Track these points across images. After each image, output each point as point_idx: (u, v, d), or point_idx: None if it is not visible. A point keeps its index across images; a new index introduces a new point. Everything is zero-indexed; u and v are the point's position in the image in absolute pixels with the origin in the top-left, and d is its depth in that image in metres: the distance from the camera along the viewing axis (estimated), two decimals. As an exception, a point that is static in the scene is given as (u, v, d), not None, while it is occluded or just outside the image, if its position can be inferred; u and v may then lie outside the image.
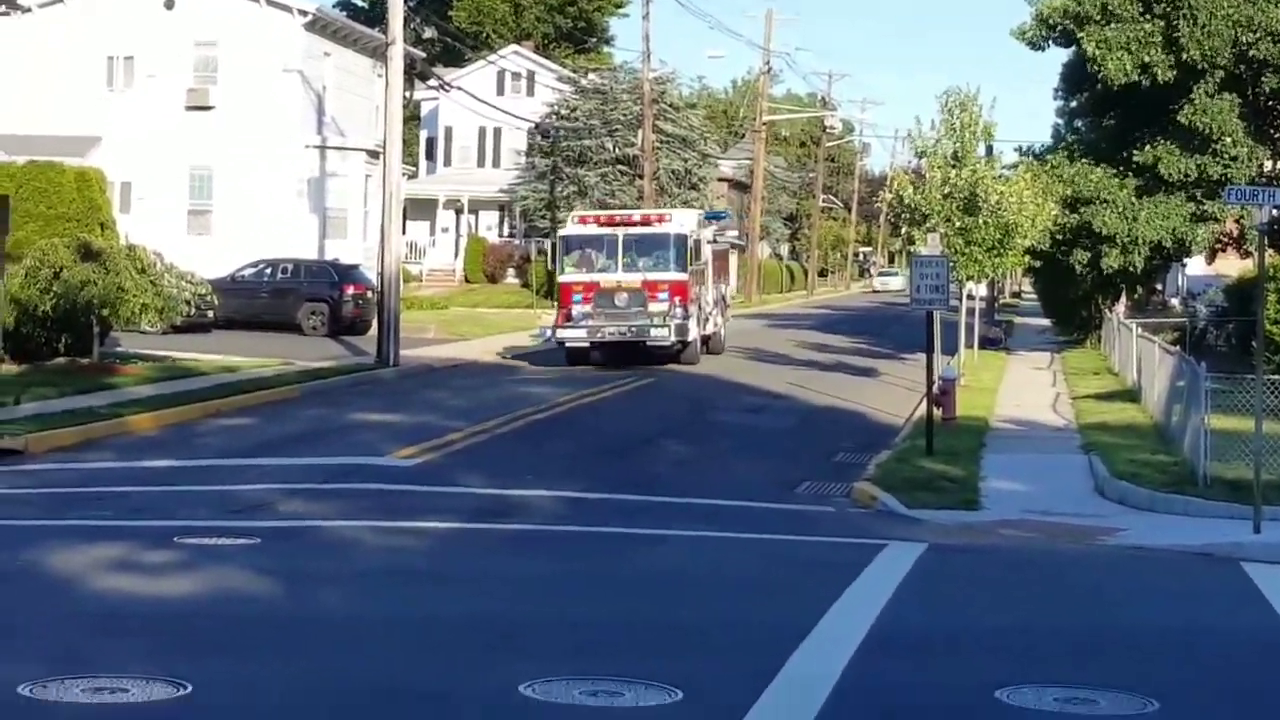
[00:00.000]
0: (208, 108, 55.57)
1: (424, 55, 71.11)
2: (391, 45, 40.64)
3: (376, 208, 47.36)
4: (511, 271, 77.93)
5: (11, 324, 29.40)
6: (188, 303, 34.97)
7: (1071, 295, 49.32)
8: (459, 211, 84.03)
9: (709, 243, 45.75)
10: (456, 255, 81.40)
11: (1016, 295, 78.04)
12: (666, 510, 19.00)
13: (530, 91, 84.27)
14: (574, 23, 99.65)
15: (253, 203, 54.18)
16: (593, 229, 41.27)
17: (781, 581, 15.06)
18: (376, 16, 71.12)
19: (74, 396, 28.22)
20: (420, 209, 77.55)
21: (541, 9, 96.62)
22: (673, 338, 39.09)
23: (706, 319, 43.35)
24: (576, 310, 39.33)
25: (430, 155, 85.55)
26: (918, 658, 11.84)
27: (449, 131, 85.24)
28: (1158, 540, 17.41)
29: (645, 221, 42.22)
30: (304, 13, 56.87)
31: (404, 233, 42.80)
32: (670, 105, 78.10)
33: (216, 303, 39.31)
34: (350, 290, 47.28)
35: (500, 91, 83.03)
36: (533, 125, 79.46)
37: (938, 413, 25.57)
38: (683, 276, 39.80)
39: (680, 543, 17.13)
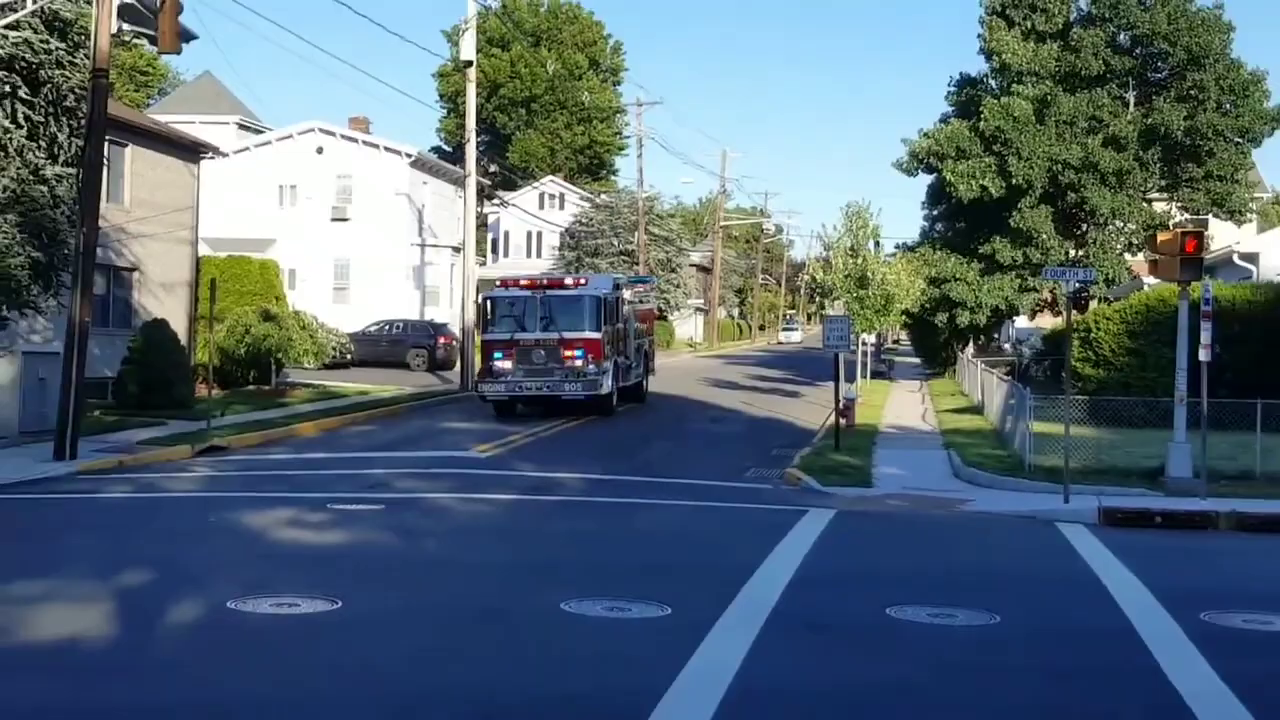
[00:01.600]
0: (346, 219, 55.76)
1: (489, 183, 71.72)
2: (468, 177, 40.98)
3: (458, 285, 47.72)
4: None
5: (217, 363, 30.25)
6: (334, 349, 35.93)
7: (935, 341, 49.48)
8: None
9: (630, 302, 34.88)
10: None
11: (896, 342, 78.21)
12: (655, 487, 18.97)
13: (561, 206, 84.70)
14: (591, 160, 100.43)
15: (376, 282, 54.44)
16: (514, 292, 31.17)
17: (735, 536, 15.10)
18: (457, 157, 71.70)
19: (259, 411, 28.86)
20: (486, 286, 77.70)
21: (569, 151, 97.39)
22: (584, 392, 29.78)
23: (628, 369, 33.38)
24: (497, 366, 29.88)
25: (494, 250, 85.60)
26: (832, 587, 11.88)
27: (506, 234, 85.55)
28: (997, 508, 17.34)
29: (562, 285, 32.08)
30: (409, 155, 57.58)
31: (476, 301, 43.01)
32: (657, 215, 78.30)
33: (353, 349, 39.47)
34: (442, 340, 47.32)
35: (541, 206, 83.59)
36: (563, 229, 79.91)
37: (843, 422, 25.49)
38: (596, 335, 29.95)
39: (665, 509, 17.07)
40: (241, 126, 62.05)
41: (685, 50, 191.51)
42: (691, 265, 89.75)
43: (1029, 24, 41.68)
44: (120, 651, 8.92)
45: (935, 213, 47.93)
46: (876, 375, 48.70)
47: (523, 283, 31.85)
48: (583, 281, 32.38)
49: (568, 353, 29.55)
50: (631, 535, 15.15)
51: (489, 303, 30.90)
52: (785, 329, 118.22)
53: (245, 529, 14.35)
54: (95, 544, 13.52)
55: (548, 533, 15.13)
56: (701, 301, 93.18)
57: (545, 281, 32.74)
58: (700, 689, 7.96)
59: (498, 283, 33.00)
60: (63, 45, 22.74)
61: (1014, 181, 39.68)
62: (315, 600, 10.27)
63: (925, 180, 46.15)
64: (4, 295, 21.71)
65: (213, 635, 9.41)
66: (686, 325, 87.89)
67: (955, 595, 11.17)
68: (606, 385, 30.13)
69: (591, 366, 29.77)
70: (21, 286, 21.96)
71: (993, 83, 43.98)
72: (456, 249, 53.58)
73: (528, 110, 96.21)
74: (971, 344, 49.04)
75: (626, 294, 34.46)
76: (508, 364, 29.56)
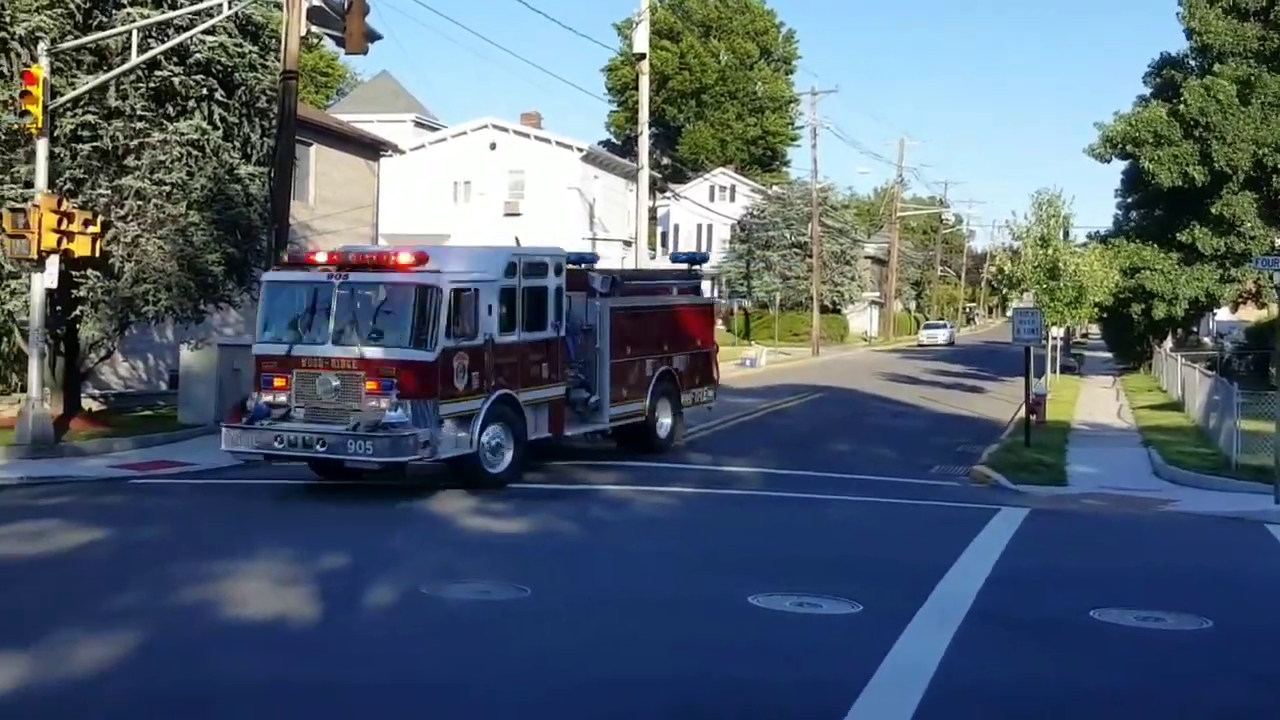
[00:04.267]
0: (518, 214, 56.82)
1: (659, 175, 72.01)
2: (640, 170, 41.31)
3: (632, 279, 48.13)
4: (720, 322, 78.19)
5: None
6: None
7: (1129, 336, 48.37)
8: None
9: (602, 294, 20.05)
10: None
11: (1084, 337, 76.01)
12: (836, 483, 18.87)
13: (732, 199, 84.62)
14: (762, 151, 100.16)
15: (548, 276, 55.46)
16: (304, 275, 17.24)
17: (923, 533, 15.00)
18: (626, 150, 72.61)
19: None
20: (660, 280, 78.29)
21: (740, 142, 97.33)
22: (378, 456, 15.67)
23: (589, 403, 19.36)
24: (261, 401, 16.39)
25: (663, 242, 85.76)
26: (1031, 587, 11.71)
27: (676, 227, 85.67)
28: (1201, 508, 16.91)
29: (379, 263, 16.90)
30: (580, 149, 58.79)
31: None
32: (830, 206, 77.54)
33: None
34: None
35: (711, 199, 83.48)
36: (735, 222, 79.85)
37: (1033, 418, 25.09)
38: (421, 357, 15.92)
39: (847, 505, 17.01)
40: (418, 124, 63.76)
41: (861, 36, 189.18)
42: (866, 257, 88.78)
43: (1229, 1, 40.32)
44: (323, 630, 9.35)
45: (1130, 200, 46.78)
46: (1065, 370, 47.68)
47: (320, 258, 17.31)
48: (417, 259, 16.53)
49: (370, 384, 15.94)
50: (814, 530, 15.18)
51: (266, 292, 17.55)
52: (928, 327, 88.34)
53: (432, 516, 14.84)
54: (287, 527, 14.14)
55: (728, 526, 15.27)
56: (877, 294, 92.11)
57: (354, 258, 17.18)
58: (901, 683, 7.96)
59: (287, 256, 19.70)
60: (255, 48, 23.70)
61: (1217, 167, 38.41)
62: (505, 587, 10.59)
63: (1119, 167, 45.09)
64: (201, 290, 22.85)
65: (408, 619, 9.78)
66: (861, 319, 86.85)
67: (1161, 598, 10.95)
68: (443, 446, 16.09)
69: (398, 412, 15.64)
70: (217, 281, 23.11)
71: (1193, 63, 42.68)
72: (627, 242, 54.16)
73: (698, 102, 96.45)
74: (1169, 338, 47.70)
75: (554, 280, 18.65)
76: (281, 396, 16.44)
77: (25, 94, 19.67)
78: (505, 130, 60.27)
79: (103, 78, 21.40)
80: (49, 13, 21.42)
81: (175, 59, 22.16)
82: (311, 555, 11.79)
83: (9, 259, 20.26)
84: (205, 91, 22.67)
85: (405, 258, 16.52)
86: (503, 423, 17.33)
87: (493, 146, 59.86)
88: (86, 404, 24.46)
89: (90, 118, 21.81)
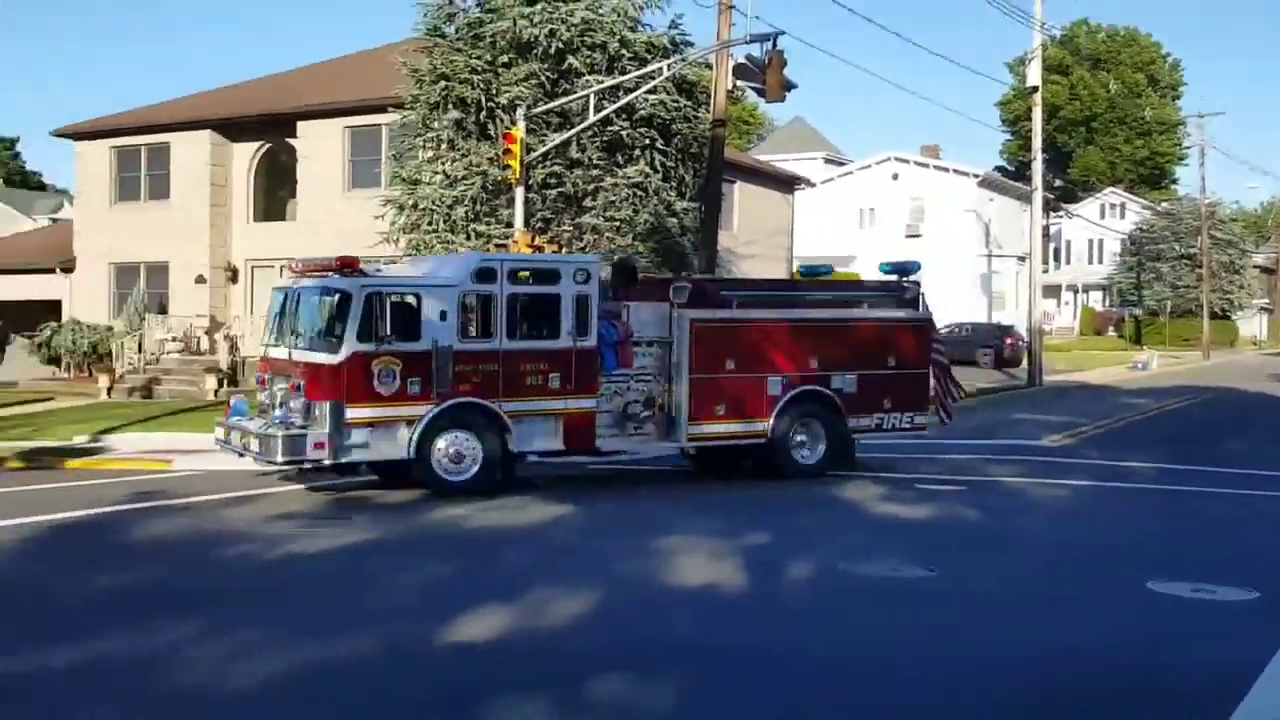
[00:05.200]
0: (918, 235, 55.92)
1: (1051, 196, 68.90)
2: (1034, 192, 39.36)
3: (1023, 291, 46.20)
4: (1111, 329, 73.98)
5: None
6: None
7: None
8: (1075, 291, 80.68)
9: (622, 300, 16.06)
10: (1074, 319, 78.01)
11: None
12: (1232, 478, 17.02)
13: (1122, 215, 79.71)
14: (1150, 171, 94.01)
15: (946, 289, 54.01)
16: (285, 282, 16.41)
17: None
18: (1020, 175, 70.08)
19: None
20: (1049, 291, 74.75)
21: (1128, 164, 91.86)
22: (269, 456, 13.97)
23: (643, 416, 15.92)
24: (241, 400, 16.38)
25: (1055, 257, 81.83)
26: None
27: (1068, 243, 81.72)
28: None
29: (322, 270, 14.91)
30: (976, 175, 57.36)
31: (1040, 305, 41.00)
32: (1219, 220, 71.44)
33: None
34: (1008, 340, 45.86)
35: (1101, 216, 79.24)
36: (1125, 236, 75.14)
37: None
38: (329, 360, 14.04)
39: (1245, 498, 15.37)
40: (827, 160, 64.04)
41: (1248, 57, 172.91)
42: (1255, 266, 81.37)
43: None
44: (751, 599, 9.36)
45: None
46: None
47: (295, 266, 15.89)
48: (341, 264, 14.58)
49: (290, 385, 14.68)
50: (1210, 522, 13.77)
51: (271, 298, 16.77)
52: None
53: (842, 501, 14.68)
54: (708, 508, 14.35)
55: (1122, 516, 14.16)
56: (1266, 301, 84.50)
57: (306, 266, 15.50)
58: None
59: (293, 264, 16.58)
60: (689, 103, 24.45)
61: None
62: (912, 567, 10.30)
63: None
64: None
65: (826, 591, 9.65)
66: (1250, 324, 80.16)
67: None
68: (326, 449, 13.93)
69: (295, 414, 14.18)
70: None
71: None
72: (1020, 258, 52.18)
73: (1087, 129, 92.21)
74: None
75: (575, 288, 15.39)
76: (263, 394, 15.59)
77: (507, 151, 21.13)
78: (906, 161, 59.65)
79: (566, 135, 22.65)
80: (524, 85, 22.93)
81: (624, 116, 23.12)
82: (733, 532, 11.87)
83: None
84: (648, 141, 23.56)
85: (336, 265, 14.57)
86: (466, 430, 14.79)
87: (895, 177, 59.43)
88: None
89: (556, 168, 23.13)
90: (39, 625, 8.13)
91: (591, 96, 21.97)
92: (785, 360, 16.66)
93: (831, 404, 16.86)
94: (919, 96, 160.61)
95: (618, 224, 23.10)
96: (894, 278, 18.18)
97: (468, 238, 23.31)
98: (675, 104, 24.05)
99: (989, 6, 64.15)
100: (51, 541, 11.60)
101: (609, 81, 22.45)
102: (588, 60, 23.40)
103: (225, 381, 30.22)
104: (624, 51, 23.72)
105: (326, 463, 14.31)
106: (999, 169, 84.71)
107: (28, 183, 77.28)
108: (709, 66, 24.39)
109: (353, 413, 14.03)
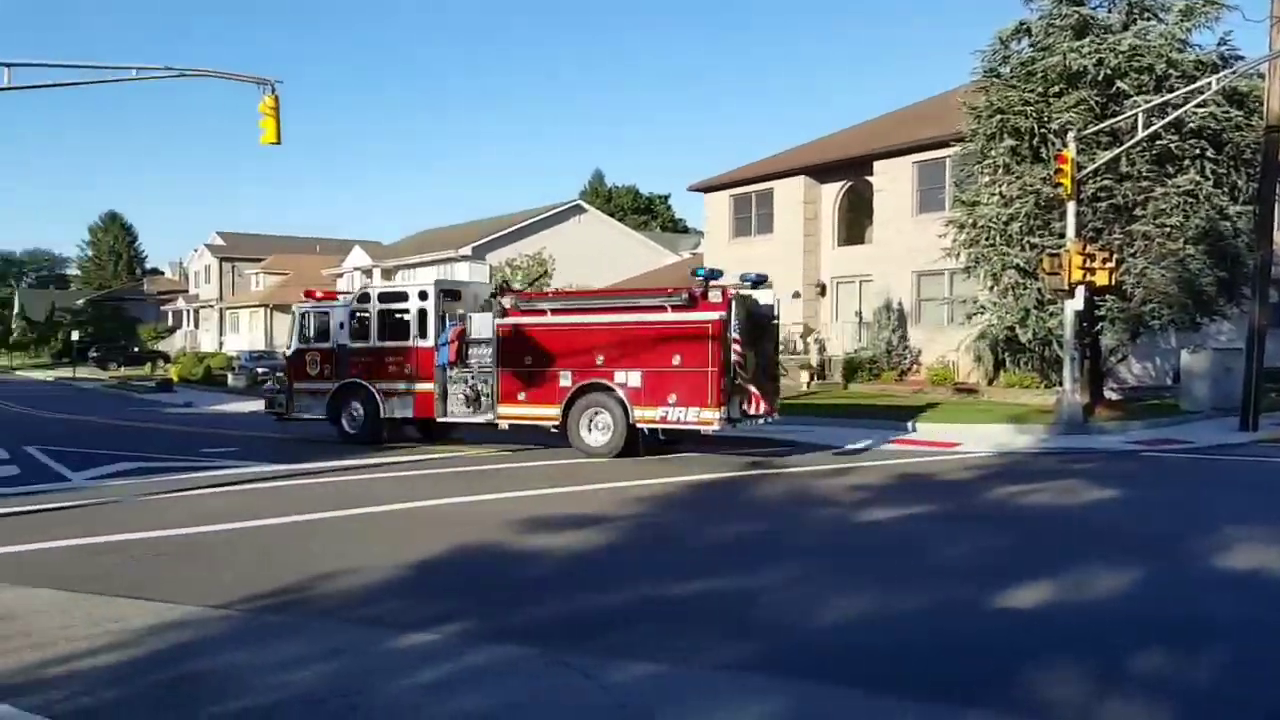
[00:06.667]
0: None
1: None
2: None
3: None
4: None
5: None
6: None
7: None
8: None
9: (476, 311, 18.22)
10: None
11: None
12: None
13: None
14: None
15: None
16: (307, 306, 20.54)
17: None
18: None
19: None
20: None
21: None
22: (267, 410, 21.23)
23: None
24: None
25: None
26: None
27: None
28: None
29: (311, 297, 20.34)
30: None
31: None
32: None
33: None
34: None
35: None
36: None
37: None
38: (288, 354, 20.21)
39: None
40: None
41: None
42: None
43: None
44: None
45: None
46: None
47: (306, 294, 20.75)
48: (308, 294, 20.19)
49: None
50: None
51: None
52: None
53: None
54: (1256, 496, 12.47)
55: None
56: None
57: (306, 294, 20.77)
58: None
59: None
60: (1240, 113, 21.61)
61: None
62: None
63: None
64: (1196, 306, 21.48)
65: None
66: None
67: None
68: (284, 409, 19.87)
69: (275, 387, 21.40)
70: (1210, 299, 21.53)
71: None
72: None
73: None
74: None
75: (418, 304, 18.18)
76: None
77: (1059, 171, 19.90)
78: None
79: (1115, 152, 20.93)
80: (1074, 110, 21.57)
81: (1172, 130, 20.98)
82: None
83: (1049, 290, 20.61)
84: (1197, 151, 21.16)
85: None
86: (354, 400, 18.83)
87: None
88: (1107, 394, 23.95)
89: (1106, 182, 21.48)
90: (677, 560, 9.00)
91: (1140, 115, 20.08)
92: (578, 359, 16.49)
93: (616, 398, 16.13)
94: None
95: (1168, 230, 20.93)
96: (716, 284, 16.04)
97: (1021, 249, 22.36)
98: (1226, 115, 21.25)
99: None
100: (691, 497, 12.76)
101: (1157, 100, 20.35)
102: (1135, 83, 21.46)
103: (815, 376, 31.37)
104: (1171, 71, 21.42)
105: (287, 420, 19.95)
106: None
107: (675, 226, 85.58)
108: (1261, 76, 21.31)
109: (298, 385, 19.47)
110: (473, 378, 17.54)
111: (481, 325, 17.56)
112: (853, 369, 31.21)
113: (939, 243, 24.99)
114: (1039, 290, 21.62)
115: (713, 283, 16.00)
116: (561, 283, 39.14)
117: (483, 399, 17.50)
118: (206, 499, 12.46)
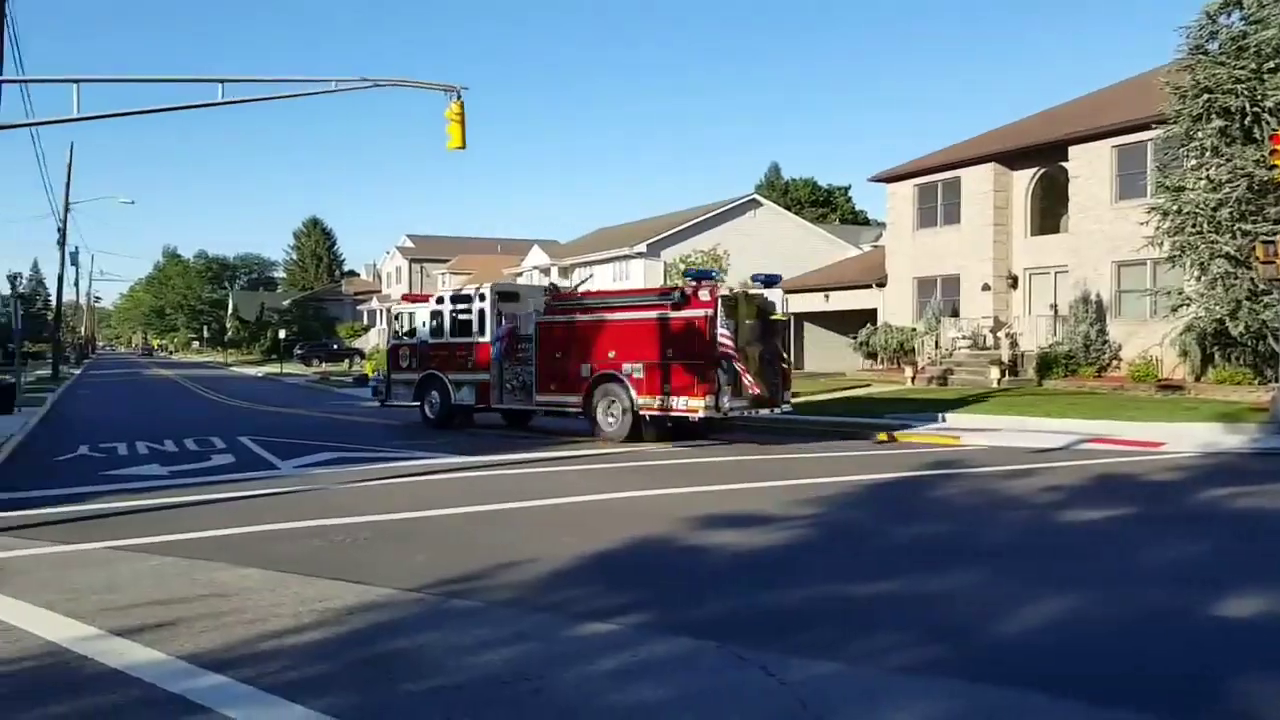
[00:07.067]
0: None
1: None
2: None
3: None
4: None
5: None
6: None
7: None
8: None
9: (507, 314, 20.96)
10: None
11: None
12: None
13: None
14: None
15: None
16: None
17: None
18: None
19: None
20: None
21: None
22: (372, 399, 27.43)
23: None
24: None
25: None
26: None
27: None
28: None
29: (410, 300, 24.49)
30: None
31: None
32: None
33: None
34: None
35: None
36: None
37: None
38: (387, 348, 24.89)
39: None
40: None
41: None
42: None
43: None
44: None
45: None
46: None
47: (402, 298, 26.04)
48: (404, 297, 25.58)
49: None
50: None
51: None
52: None
53: None
54: None
55: None
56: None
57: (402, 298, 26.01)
58: None
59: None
60: None
61: None
62: None
63: None
64: None
65: None
66: None
67: None
68: (382, 395, 23.65)
69: (378, 375, 26.48)
70: None
71: None
72: None
73: None
74: None
75: (478, 305, 21.22)
76: None
77: (1274, 152, 18.35)
78: None
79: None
80: (1294, 86, 19.84)
81: None
82: None
83: (1263, 280, 19.07)
84: None
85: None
86: (433, 389, 21.80)
87: None
88: None
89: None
90: (855, 561, 8.86)
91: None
92: (596, 353, 18.62)
93: (625, 386, 18.15)
94: None
95: None
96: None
97: (1232, 236, 20.79)
98: None
99: None
100: (869, 496, 12.53)
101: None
102: (1365, 52, 19.56)
103: (1006, 372, 30.16)
104: None
105: (382, 405, 23.48)
106: None
107: (855, 219, 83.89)
108: None
109: (394, 376, 22.73)
110: (520, 370, 20.19)
111: (526, 323, 20.25)
112: (1047, 364, 29.93)
113: (1140, 231, 23.67)
114: (1252, 280, 20.06)
115: (703, 282, 17.62)
116: (734, 279, 39.05)
117: (528, 388, 20.09)
118: (398, 487, 13.14)
